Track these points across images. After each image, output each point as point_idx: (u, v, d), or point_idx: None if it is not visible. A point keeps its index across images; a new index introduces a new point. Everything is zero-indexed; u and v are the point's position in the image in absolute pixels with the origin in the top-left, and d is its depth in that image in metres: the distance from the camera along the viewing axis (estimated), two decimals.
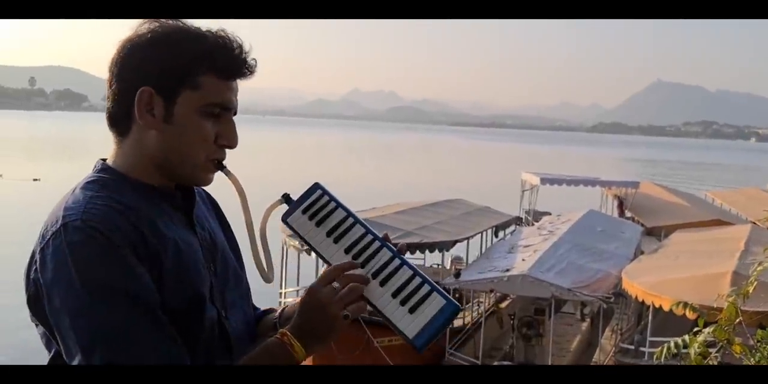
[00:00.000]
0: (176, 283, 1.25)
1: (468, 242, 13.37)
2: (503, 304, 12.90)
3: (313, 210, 1.37)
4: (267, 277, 1.38)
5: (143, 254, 1.21)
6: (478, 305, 12.50)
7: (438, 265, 12.90)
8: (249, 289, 1.48)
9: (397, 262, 1.30)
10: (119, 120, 1.31)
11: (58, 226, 1.19)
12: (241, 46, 1.32)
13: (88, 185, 1.28)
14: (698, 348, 2.39)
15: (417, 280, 1.28)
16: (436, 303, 1.26)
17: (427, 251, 12.10)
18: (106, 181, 1.29)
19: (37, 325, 1.24)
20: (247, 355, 1.28)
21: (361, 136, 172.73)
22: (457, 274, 10.91)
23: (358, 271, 1.29)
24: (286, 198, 1.39)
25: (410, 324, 1.25)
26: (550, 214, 19.07)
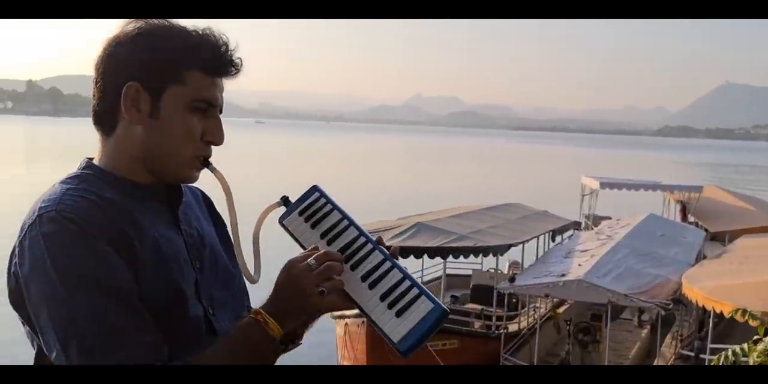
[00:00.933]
0: (154, 277, 1.25)
1: (523, 247, 13.24)
2: (560, 310, 12.72)
3: (309, 212, 1.37)
4: (251, 278, 1.36)
5: (119, 246, 1.21)
6: (535, 310, 12.36)
7: (495, 269, 12.79)
8: (243, 288, 1.48)
9: (387, 265, 1.29)
10: (105, 117, 1.32)
11: (33, 218, 1.20)
12: (227, 44, 1.32)
13: (68, 180, 1.29)
14: (757, 357, 2.27)
15: (406, 284, 1.26)
16: (423, 307, 1.23)
17: (481, 255, 12.04)
18: (86, 177, 1.30)
19: (23, 325, 1.25)
20: (223, 338, 1.28)
21: (423, 140, 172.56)
22: (512, 279, 10.81)
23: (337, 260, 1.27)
24: (284, 200, 1.39)
25: (396, 327, 1.23)
26: (610, 218, 18.73)
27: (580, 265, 11.19)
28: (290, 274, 1.25)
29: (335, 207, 1.37)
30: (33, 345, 1.25)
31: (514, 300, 12.20)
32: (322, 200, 1.38)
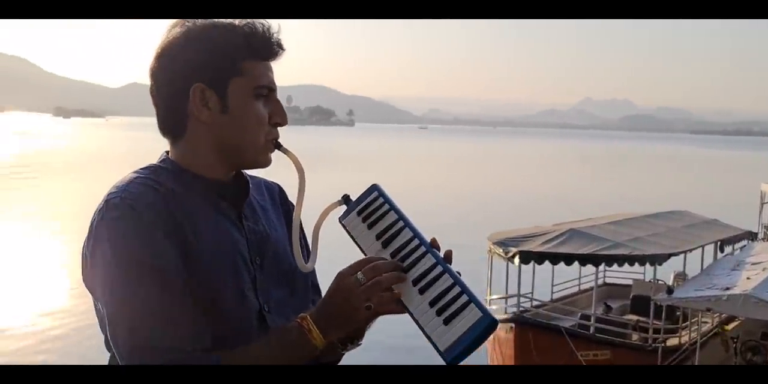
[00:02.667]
0: (207, 269, 1.28)
1: (685, 257, 12.48)
2: (729, 326, 11.88)
3: (367, 212, 1.37)
4: (302, 265, 1.37)
5: (174, 236, 1.26)
6: (699, 325, 11.62)
7: (655, 279, 12.16)
8: (307, 289, 1.49)
9: (438, 269, 1.25)
10: (174, 123, 1.37)
11: (102, 203, 1.28)
12: (269, 28, 1.37)
13: (140, 170, 1.36)
14: None
15: (456, 290, 1.22)
16: (472, 315, 1.18)
17: (638, 264, 11.48)
18: (157, 168, 1.37)
19: (95, 303, 1.32)
20: (265, 337, 1.30)
21: (592, 146, 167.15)
22: (670, 290, 10.23)
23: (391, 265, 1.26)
24: (345, 199, 1.40)
25: (443, 336, 1.19)
26: None
27: (748, 278, 10.39)
28: (338, 287, 1.25)
29: (392, 207, 1.36)
30: (101, 324, 1.31)
31: (678, 313, 11.54)
32: (380, 200, 1.37)
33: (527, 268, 11.63)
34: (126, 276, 1.22)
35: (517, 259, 11.01)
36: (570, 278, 13.52)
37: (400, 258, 1.29)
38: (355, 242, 1.37)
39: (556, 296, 13.05)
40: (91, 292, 1.30)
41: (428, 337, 1.21)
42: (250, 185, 1.46)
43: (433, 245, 1.29)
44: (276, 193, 1.55)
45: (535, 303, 11.86)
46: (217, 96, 1.34)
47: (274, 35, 1.37)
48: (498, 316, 11.07)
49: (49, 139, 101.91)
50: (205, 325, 1.26)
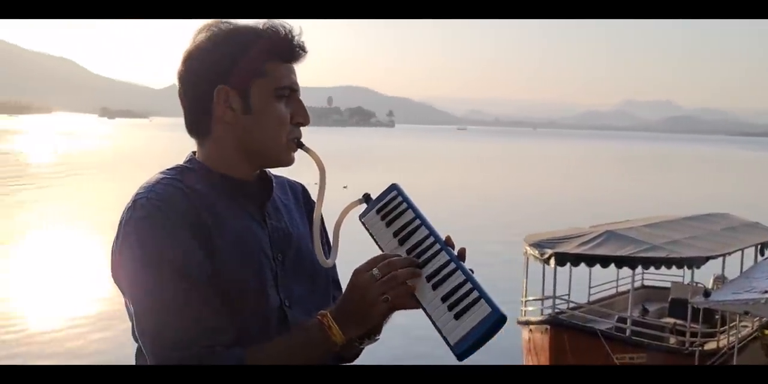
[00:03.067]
0: (230, 265, 1.33)
1: (724, 260, 12.34)
2: None
3: (386, 210, 1.41)
4: (323, 261, 1.41)
5: (198, 234, 1.30)
6: (738, 329, 11.48)
7: (692, 282, 12.04)
8: (328, 285, 1.53)
9: (452, 266, 1.29)
10: (200, 124, 1.43)
11: (130, 203, 1.33)
12: (292, 31, 1.41)
13: (167, 170, 1.41)
14: None
15: (467, 286, 1.25)
16: (481, 310, 1.22)
17: (675, 267, 11.38)
18: (183, 168, 1.42)
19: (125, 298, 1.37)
20: (286, 333, 1.34)
21: (634, 147, 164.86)
22: (707, 293, 10.15)
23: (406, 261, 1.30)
24: (365, 197, 1.45)
25: (453, 330, 1.23)
26: None
27: None
28: (355, 283, 1.29)
29: (410, 206, 1.40)
30: (130, 318, 1.36)
31: (717, 316, 11.42)
32: (399, 199, 1.42)
33: (564, 270, 11.62)
34: (151, 273, 1.27)
35: (552, 261, 11.01)
36: (609, 280, 13.45)
37: (415, 255, 1.33)
38: (374, 239, 1.41)
39: (593, 298, 12.99)
40: (119, 288, 1.35)
41: (439, 331, 1.25)
42: (274, 184, 1.50)
43: (448, 243, 1.33)
44: (299, 192, 1.59)
45: (571, 305, 11.85)
46: (240, 97, 1.38)
47: (296, 38, 1.41)
48: (533, 318, 11.20)
49: (92, 139, 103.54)
50: (228, 320, 1.30)
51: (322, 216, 1.49)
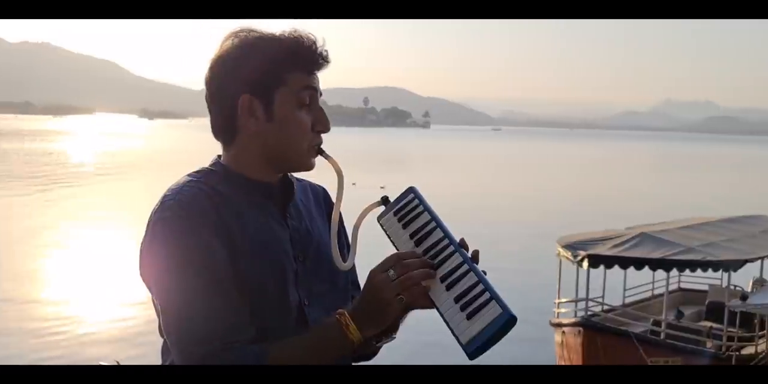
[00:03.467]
0: (251, 264, 1.38)
1: (762, 263, 12.14)
2: None
3: (403, 212, 1.46)
4: (340, 263, 1.44)
5: (221, 235, 1.36)
6: None
7: (729, 285, 11.84)
8: (347, 284, 1.58)
9: (465, 268, 1.32)
10: (225, 129, 1.48)
11: (158, 204, 1.39)
12: (315, 41, 1.45)
13: (193, 173, 1.47)
14: None
15: (479, 288, 1.29)
16: (493, 311, 1.25)
17: (711, 270, 11.22)
18: (208, 172, 1.47)
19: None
20: (305, 331, 1.38)
21: (672, 148, 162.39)
22: (744, 297, 10.01)
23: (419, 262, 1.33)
24: (384, 200, 1.50)
25: (465, 330, 1.26)
26: None
27: None
28: (371, 284, 1.33)
29: (426, 209, 1.44)
30: (157, 315, 1.42)
31: (755, 320, 11.24)
32: (416, 202, 1.46)
33: (598, 272, 11.53)
34: (176, 271, 1.33)
35: (585, 263, 10.93)
36: (644, 283, 13.31)
37: (430, 256, 1.36)
38: (391, 240, 1.46)
39: (627, 301, 12.86)
40: (146, 285, 1.41)
41: (452, 331, 1.29)
42: (296, 187, 1.55)
43: (462, 245, 1.37)
44: (320, 195, 1.64)
45: (605, 307, 11.74)
46: (263, 106, 1.43)
47: (319, 48, 1.45)
48: (566, 320, 11.12)
49: (133, 139, 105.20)
50: (249, 318, 1.35)
51: (341, 219, 1.54)
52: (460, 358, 1.29)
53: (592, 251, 11.09)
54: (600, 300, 11.76)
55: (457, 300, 1.29)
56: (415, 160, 67.75)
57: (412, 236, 1.42)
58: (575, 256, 11.06)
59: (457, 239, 1.38)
